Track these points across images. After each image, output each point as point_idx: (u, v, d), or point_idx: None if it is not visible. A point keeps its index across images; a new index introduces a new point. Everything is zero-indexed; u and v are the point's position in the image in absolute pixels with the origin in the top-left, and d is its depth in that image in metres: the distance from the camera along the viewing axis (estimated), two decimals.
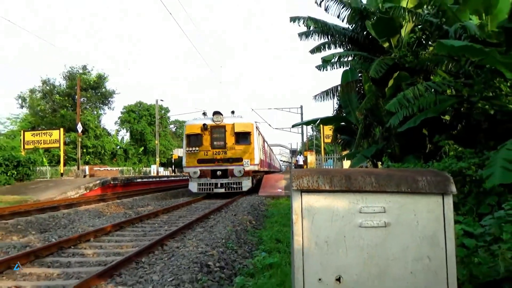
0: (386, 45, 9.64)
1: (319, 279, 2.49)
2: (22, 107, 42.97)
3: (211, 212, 11.42)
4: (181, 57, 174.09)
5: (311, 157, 26.87)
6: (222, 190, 17.53)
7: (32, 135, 26.61)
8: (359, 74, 10.97)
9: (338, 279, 2.50)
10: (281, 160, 62.32)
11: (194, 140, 18.10)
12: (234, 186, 17.55)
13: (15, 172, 21.11)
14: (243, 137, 18.13)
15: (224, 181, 17.57)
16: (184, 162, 18.15)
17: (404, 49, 8.95)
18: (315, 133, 55.31)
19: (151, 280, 4.60)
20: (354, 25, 10.33)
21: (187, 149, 18.01)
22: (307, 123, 15.63)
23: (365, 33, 10.28)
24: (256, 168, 18.19)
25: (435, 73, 8.98)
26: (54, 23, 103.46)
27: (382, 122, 9.65)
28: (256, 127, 19.22)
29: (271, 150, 35.87)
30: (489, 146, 6.22)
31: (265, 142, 25.28)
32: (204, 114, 19.15)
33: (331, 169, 2.73)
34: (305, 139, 39.81)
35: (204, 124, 17.98)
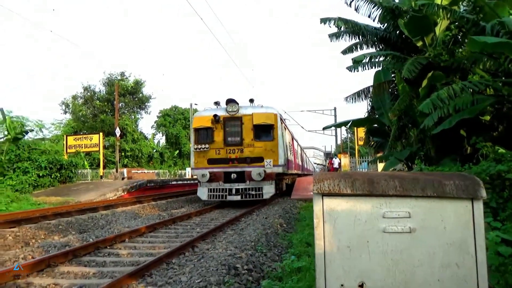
0: (419, 44, 9.34)
1: (342, 285, 2.45)
2: (65, 112, 45.28)
3: (242, 215, 11.50)
4: (214, 61, 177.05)
5: (345, 160, 26.41)
6: (238, 198, 13.92)
7: (74, 139, 27.96)
8: (392, 75, 10.70)
9: (361, 286, 2.45)
10: (315, 163, 61.61)
11: (203, 135, 14.66)
12: (253, 192, 13.91)
13: (59, 175, 22.25)
14: (264, 131, 14.40)
15: (241, 186, 14.01)
16: (191, 163, 14.97)
17: (438, 48, 8.63)
18: (349, 135, 54.36)
19: (179, 281, 4.70)
20: (385, 24, 10.08)
21: (195, 146, 14.60)
22: (339, 125, 15.38)
23: (397, 32, 10.01)
24: (281, 170, 14.55)
25: (473, 72, 8.59)
26: (97, 34, 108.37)
27: (416, 124, 9.35)
28: (281, 119, 15.70)
29: (303, 150, 33.72)
30: None
31: (294, 140, 21.65)
32: (216, 103, 15.19)
33: (353, 172, 2.69)
34: (339, 142, 39.24)
35: (215, 116, 14.33)
